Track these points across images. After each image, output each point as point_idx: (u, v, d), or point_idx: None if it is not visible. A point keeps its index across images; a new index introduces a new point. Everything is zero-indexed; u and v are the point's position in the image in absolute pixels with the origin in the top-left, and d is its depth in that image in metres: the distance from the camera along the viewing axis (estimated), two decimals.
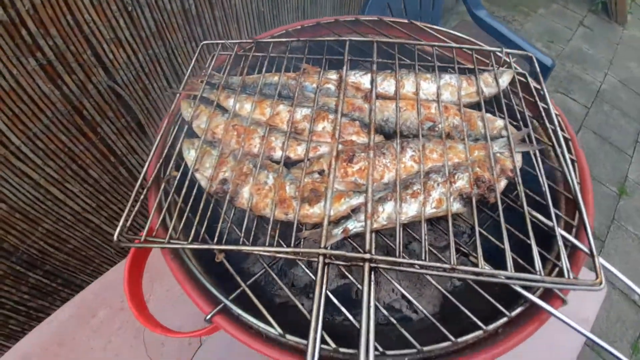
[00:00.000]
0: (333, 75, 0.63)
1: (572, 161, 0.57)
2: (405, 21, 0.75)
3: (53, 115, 1.03)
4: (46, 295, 1.28)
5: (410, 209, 0.49)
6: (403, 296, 0.60)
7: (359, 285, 0.45)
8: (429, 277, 0.48)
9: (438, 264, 0.44)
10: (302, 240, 0.49)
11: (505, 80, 0.61)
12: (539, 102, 0.60)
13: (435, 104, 0.58)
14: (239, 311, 0.45)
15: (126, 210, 0.51)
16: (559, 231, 0.47)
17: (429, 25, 0.74)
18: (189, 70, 0.65)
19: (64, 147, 1.11)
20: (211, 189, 0.52)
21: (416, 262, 0.45)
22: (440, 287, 0.47)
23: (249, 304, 0.47)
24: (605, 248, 2.08)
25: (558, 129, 0.55)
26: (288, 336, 0.44)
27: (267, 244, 0.47)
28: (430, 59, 0.66)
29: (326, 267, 0.46)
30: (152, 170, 0.55)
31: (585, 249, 0.47)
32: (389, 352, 0.42)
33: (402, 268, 0.46)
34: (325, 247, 0.46)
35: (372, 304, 0.43)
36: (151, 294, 0.95)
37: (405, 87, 0.61)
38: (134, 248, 0.52)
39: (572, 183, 0.50)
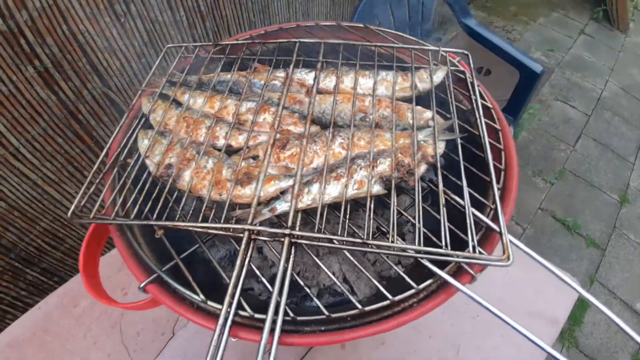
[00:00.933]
0: (281, 73, 0.69)
1: (500, 150, 0.60)
2: (361, 25, 0.80)
3: (50, 119, 1.11)
4: (42, 292, 1.34)
5: (333, 190, 0.53)
6: (344, 280, 0.64)
7: (278, 262, 0.49)
8: (347, 253, 0.51)
9: (352, 239, 0.48)
10: (234, 218, 0.53)
11: (439, 76, 0.65)
12: (471, 95, 0.63)
13: (370, 98, 0.63)
14: (171, 281, 0.50)
15: (81, 191, 0.57)
16: (470, 210, 0.50)
17: (381, 29, 0.79)
18: (152, 70, 0.72)
19: (61, 149, 1.19)
20: (157, 173, 0.58)
21: (333, 237, 0.49)
22: (354, 260, 0.50)
23: (186, 278, 0.52)
24: (606, 257, 2.04)
25: (483, 118, 0.58)
26: (209, 302, 0.48)
27: (200, 220, 0.52)
28: (378, 58, 0.71)
29: (252, 242, 0.51)
30: (110, 158, 0.61)
31: (496, 228, 0.50)
32: (299, 318, 0.46)
33: (320, 243, 0.50)
34: (252, 224, 0.51)
35: (288, 273, 0.47)
36: (129, 288, 1.00)
37: (344, 83, 0.66)
38: (93, 225, 0.58)
39: (489, 165, 0.53)
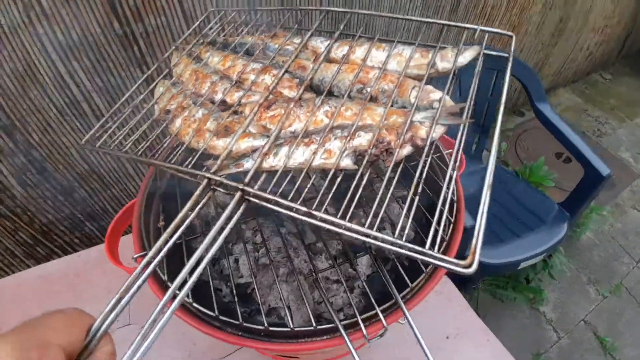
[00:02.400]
0: (297, 39, 0.67)
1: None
2: None
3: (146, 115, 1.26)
4: (94, 245, 1.55)
5: (300, 156, 0.50)
6: (288, 307, 0.61)
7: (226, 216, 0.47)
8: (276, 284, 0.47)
9: (299, 207, 0.44)
10: (205, 167, 0.54)
11: (467, 56, 0.56)
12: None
13: (377, 70, 0.57)
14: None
15: (98, 124, 0.64)
16: (440, 207, 0.41)
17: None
18: (191, 30, 0.77)
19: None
20: (158, 117, 0.62)
21: (282, 200, 0.46)
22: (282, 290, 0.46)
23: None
24: None
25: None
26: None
27: (172, 162, 0.53)
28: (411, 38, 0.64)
29: (210, 191, 0.50)
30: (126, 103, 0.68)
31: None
32: (195, 304, 0.45)
33: (270, 205, 0.47)
34: (214, 174, 0.50)
35: (228, 226, 0.46)
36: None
37: (355, 54, 0.61)
38: (129, 204, 0.65)
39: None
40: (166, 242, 0.45)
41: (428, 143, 0.47)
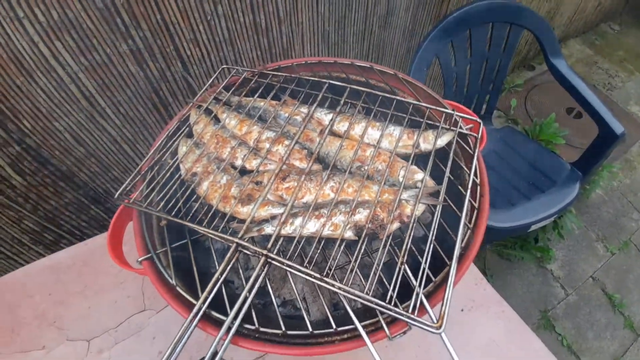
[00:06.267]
0: (304, 109, 0.78)
1: (468, 228, 0.64)
2: (391, 72, 0.86)
3: (136, 90, 1.29)
4: (102, 227, 1.55)
5: (312, 227, 0.62)
6: (303, 299, 0.73)
7: (254, 273, 0.60)
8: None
9: (312, 272, 0.57)
10: (230, 229, 0.65)
11: (444, 140, 0.70)
12: (468, 172, 0.67)
13: (372, 148, 0.70)
14: (158, 263, 0.64)
15: (129, 179, 0.74)
16: (415, 286, 0.56)
17: (408, 79, 0.84)
18: (206, 87, 0.86)
19: (140, 116, 1.37)
20: (185, 177, 0.72)
21: (298, 266, 0.59)
22: (294, 287, 0.59)
23: (186, 271, 0.66)
24: (638, 342, 1.82)
25: (468, 198, 0.63)
26: (179, 288, 0.61)
27: (196, 222, 0.65)
28: (396, 109, 0.77)
29: (237, 252, 0.62)
30: (151, 158, 0.77)
31: (426, 304, 0.55)
32: (262, 329, 0.57)
33: (287, 268, 0.59)
34: (241, 238, 0.62)
35: (256, 285, 0.58)
36: None
37: (355, 130, 0.74)
38: (122, 205, 0.74)
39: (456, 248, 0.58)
40: (205, 300, 0.57)
41: (412, 220, 0.61)
